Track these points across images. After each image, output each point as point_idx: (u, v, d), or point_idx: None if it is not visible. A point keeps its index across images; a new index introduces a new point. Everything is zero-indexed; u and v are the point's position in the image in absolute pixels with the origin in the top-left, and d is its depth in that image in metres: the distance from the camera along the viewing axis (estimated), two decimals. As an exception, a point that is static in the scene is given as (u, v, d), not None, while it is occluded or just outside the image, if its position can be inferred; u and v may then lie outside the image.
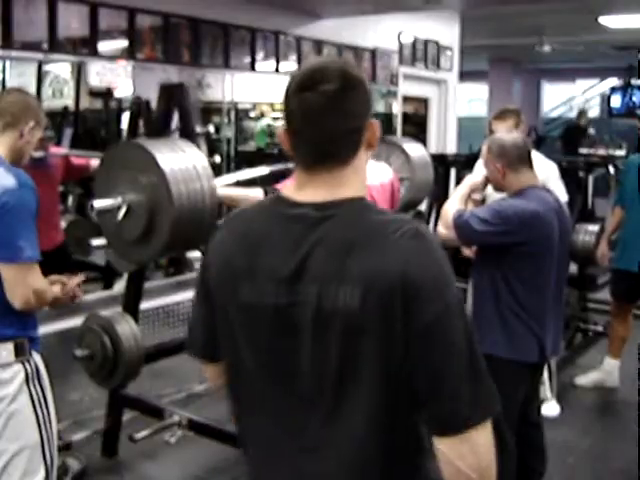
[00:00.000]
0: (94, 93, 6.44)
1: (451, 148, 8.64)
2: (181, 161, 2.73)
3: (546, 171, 4.39)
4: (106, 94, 6.35)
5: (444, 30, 8.36)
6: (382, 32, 7.42)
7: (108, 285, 5.24)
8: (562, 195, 4.39)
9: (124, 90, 6.20)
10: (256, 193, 3.01)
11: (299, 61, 6.43)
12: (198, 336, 1.55)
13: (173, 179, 2.65)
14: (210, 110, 7.00)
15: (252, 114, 8.37)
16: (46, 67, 5.89)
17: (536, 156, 4.44)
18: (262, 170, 3.45)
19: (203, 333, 1.53)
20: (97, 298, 4.31)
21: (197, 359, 1.58)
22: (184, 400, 4.73)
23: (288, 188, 1.41)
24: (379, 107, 8.25)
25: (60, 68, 5.94)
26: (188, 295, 4.90)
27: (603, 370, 4.90)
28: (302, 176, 1.38)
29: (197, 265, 5.14)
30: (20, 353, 2.36)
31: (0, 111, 2.48)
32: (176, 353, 4.39)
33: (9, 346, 2.33)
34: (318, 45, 6.59)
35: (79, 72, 5.98)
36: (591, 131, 12.06)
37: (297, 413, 1.36)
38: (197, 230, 2.81)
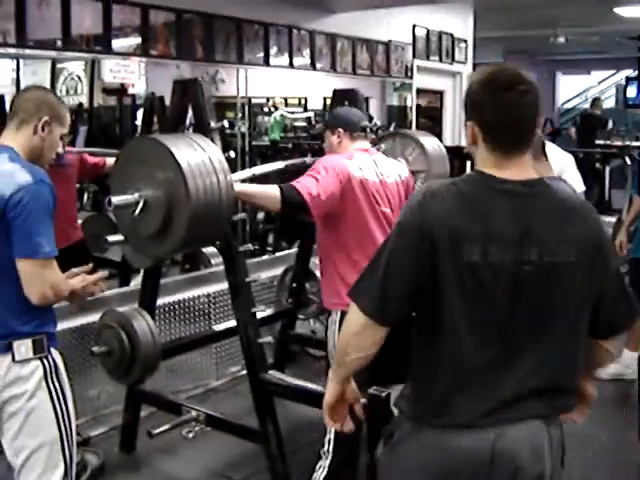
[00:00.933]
0: (108, 90, 6.45)
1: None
2: (197, 156, 2.72)
3: (562, 162, 4.37)
4: (120, 91, 6.36)
5: (458, 22, 8.31)
6: (395, 25, 7.37)
7: (125, 281, 5.24)
8: (579, 186, 4.37)
9: (138, 87, 6.20)
10: (273, 190, 2.98)
11: (313, 55, 6.40)
12: (395, 301, 1.75)
13: (190, 174, 2.64)
14: (224, 105, 7.00)
15: (265, 108, 8.36)
16: (60, 65, 5.90)
17: (551, 148, 4.44)
18: (278, 165, 3.45)
19: (403, 298, 1.75)
20: (114, 294, 4.30)
21: (371, 318, 1.75)
22: (201, 395, 4.74)
23: (485, 167, 1.77)
24: (393, 100, 8.22)
25: (74, 66, 5.95)
26: (203, 290, 4.91)
27: (622, 362, 4.86)
28: (499, 159, 1.76)
29: (214, 261, 5.14)
30: (38, 350, 2.37)
31: (15, 108, 2.46)
32: (193, 349, 4.42)
33: (27, 342, 2.34)
34: (332, 39, 6.56)
35: (93, 69, 5.99)
36: (609, 124, 11.91)
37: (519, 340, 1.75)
38: (214, 225, 2.81)
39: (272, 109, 8.41)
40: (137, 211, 2.69)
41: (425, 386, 1.83)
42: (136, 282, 5.22)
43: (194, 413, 3.49)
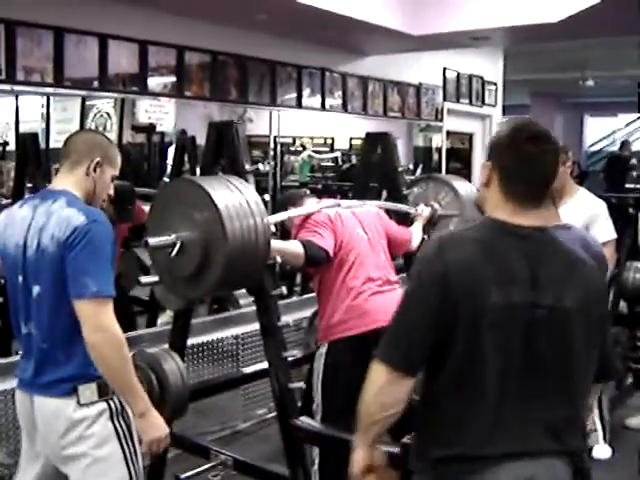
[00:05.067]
0: (137, 128, 6.52)
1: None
2: (234, 198, 2.73)
3: (594, 209, 4.31)
4: (149, 129, 6.42)
5: (488, 65, 8.34)
6: (426, 67, 7.41)
7: (152, 320, 5.23)
8: (609, 234, 4.30)
9: (166, 124, 6.26)
10: (296, 246, 3.18)
11: (345, 97, 6.43)
12: (418, 349, 1.78)
13: (227, 215, 2.64)
14: (251, 144, 7.03)
15: (292, 148, 8.38)
16: (90, 102, 5.96)
17: (583, 194, 4.39)
18: (313, 207, 3.44)
19: (425, 346, 1.77)
20: (143, 334, 4.29)
21: (407, 374, 1.78)
22: (227, 438, 4.69)
23: (498, 214, 1.81)
24: (419, 141, 8.21)
25: (103, 103, 6.02)
26: (231, 332, 4.88)
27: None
28: (514, 208, 1.81)
29: (242, 302, 5.11)
30: (103, 393, 2.35)
31: (67, 151, 2.47)
32: (222, 391, 4.36)
33: (92, 386, 2.33)
34: (364, 81, 6.60)
35: (122, 107, 6.05)
36: (634, 161, 11.84)
37: (540, 386, 1.78)
38: (250, 267, 2.80)
39: (300, 149, 8.43)
40: (174, 252, 2.69)
41: (445, 433, 1.82)
42: (162, 321, 5.22)
43: (222, 457, 3.43)
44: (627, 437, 4.70)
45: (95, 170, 2.45)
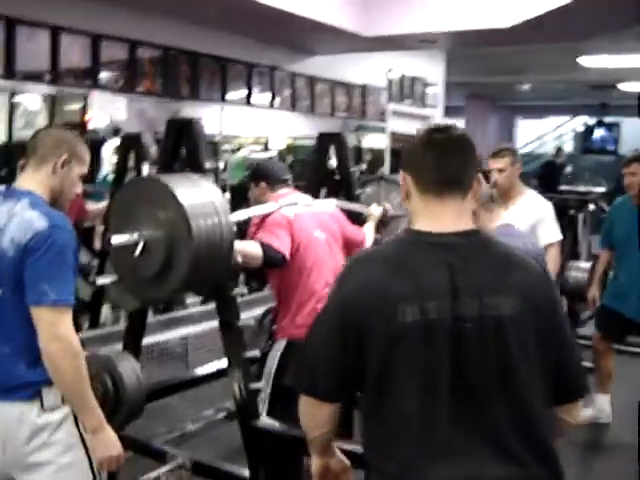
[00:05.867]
0: (68, 125, 6.38)
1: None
2: (199, 196, 2.71)
3: (542, 211, 4.39)
4: (80, 126, 6.28)
5: (430, 67, 8.42)
6: (371, 69, 7.44)
7: (94, 321, 5.11)
8: (557, 235, 4.39)
9: (98, 121, 6.15)
10: (254, 248, 3.14)
11: (293, 96, 6.42)
12: (324, 376, 1.69)
13: (192, 214, 2.61)
14: None
15: (227, 146, 8.29)
16: (16, 98, 5.81)
17: (531, 196, 4.47)
18: (272, 206, 3.42)
19: (333, 372, 1.68)
20: (92, 336, 4.19)
21: (318, 399, 1.71)
22: (177, 440, 4.61)
23: (419, 221, 1.69)
24: (351, 142, 8.19)
25: (31, 99, 5.87)
26: (178, 332, 4.81)
27: (595, 407, 4.87)
28: (434, 206, 1.69)
29: (190, 300, 5.05)
30: None
31: (33, 148, 2.36)
32: (175, 392, 4.30)
33: (54, 389, 2.23)
34: (311, 81, 6.59)
35: (53, 104, 5.93)
36: (568, 169, 12.18)
37: (473, 403, 1.61)
38: (215, 267, 2.77)
39: (235, 148, 8.34)
40: (137, 251, 2.64)
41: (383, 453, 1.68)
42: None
43: (180, 460, 3.38)
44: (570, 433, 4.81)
45: (62, 167, 2.35)
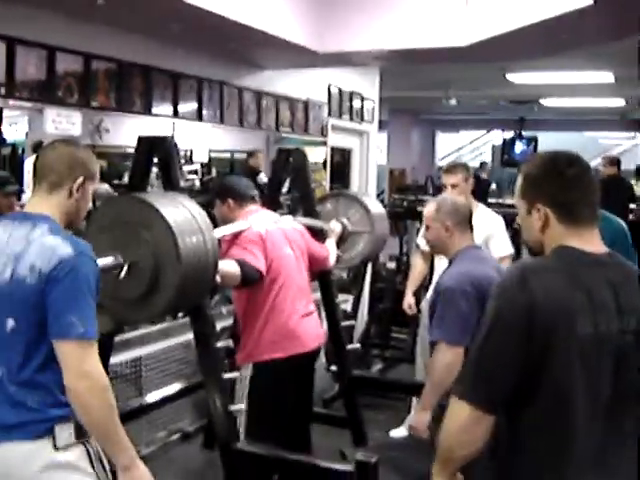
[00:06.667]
0: None
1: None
2: (182, 213, 2.64)
3: (493, 225, 4.48)
4: None
5: (365, 82, 8.47)
6: (312, 83, 7.45)
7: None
8: (508, 248, 4.48)
9: (15, 135, 5.98)
10: (232, 267, 3.10)
11: (241, 110, 6.36)
12: (502, 386, 1.71)
13: (179, 232, 2.55)
14: (107, 155, 6.78)
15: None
16: None
17: (482, 211, 4.55)
18: (244, 224, 3.38)
19: (510, 383, 1.70)
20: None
21: (487, 410, 1.71)
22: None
23: (567, 242, 1.78)
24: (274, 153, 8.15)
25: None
26: (130, 354, 4.68)
27: None
28: (581, 233, 1.80)
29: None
30: (80, 434, 2.11)
31: (44, 170, 2.22)
32: (131, 419, 4.15)
33: (70, 426, 2.09)
34: (258, 95, 6.56)
35: None
36: (493, 186, 12.47)
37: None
38: (201, 286, 2.72)
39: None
40: (122, 274, 2.55)
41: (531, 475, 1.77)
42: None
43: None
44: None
45: (78, 190, 2.22)
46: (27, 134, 5.96)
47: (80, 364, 2.02)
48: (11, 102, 4.52)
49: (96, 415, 2.05)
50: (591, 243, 1.80)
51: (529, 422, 1.73)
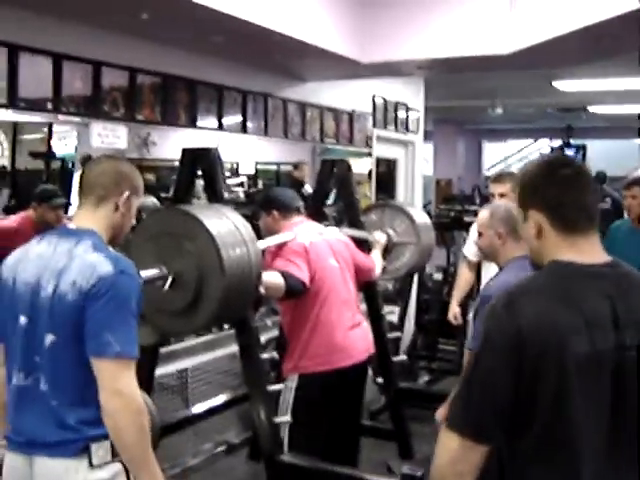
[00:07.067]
0: (34, 154, 6.28)
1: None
2: (226, 225, 2.66)
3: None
4: (46, 154, 6.18)
5: (410, 93, 8.45)
6: (357, 94, 7.46)
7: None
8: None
9: (65, 149, 6.05)
10: (277, 278, 3.10)
11: (285, 122, 6.39)
12: (481, 415, 1.61)
13: (222, 244, 2.56)
14: (155, 169, 6.85)
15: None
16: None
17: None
18: (289, 235, 3.38)
19: (491, 412, 1.61)
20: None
21: (469, 438, 1.61)
22: (179, 475, 4.50)
23: (562, 254, 1.69)
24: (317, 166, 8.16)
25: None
26: (176, 366, 4.71)
27: None
28: (576, 241, 1.71)
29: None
30: (116, 452, 2.09)
31: (90, 184, 2.23)
32: (177, 430, 4.20)
33: (106, 444, 2.07)
34: (302, 107, 6.58)
35: (15, 132, 5.84)
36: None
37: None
38: (245, 297, 2.73)
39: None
40: (166, 286, 2.57)
41: None
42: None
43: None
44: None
45: (124, 204, 2.23)
46: (76, 148, 6.05)
47: (114, 382, 2.01)
48: (59, 117, 4.61)
49: (128, 436, 2.03)
50: (588, 253, 1.70)
51: (528, 447, 1.64)
